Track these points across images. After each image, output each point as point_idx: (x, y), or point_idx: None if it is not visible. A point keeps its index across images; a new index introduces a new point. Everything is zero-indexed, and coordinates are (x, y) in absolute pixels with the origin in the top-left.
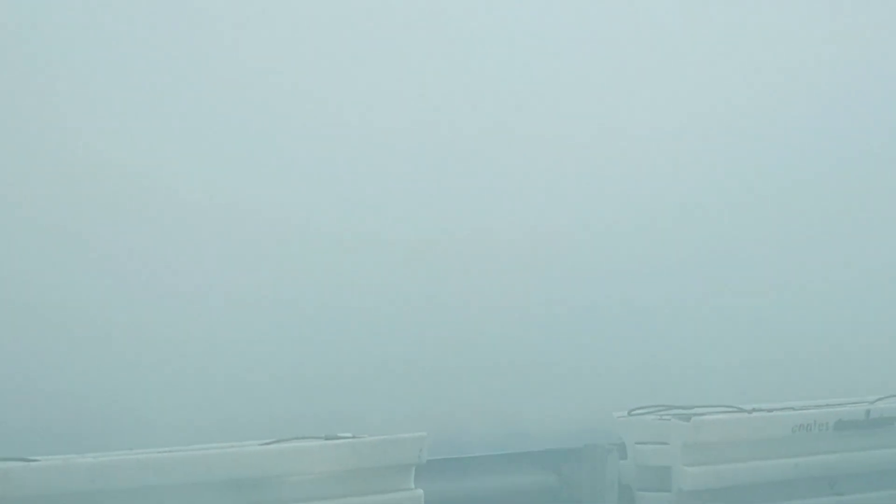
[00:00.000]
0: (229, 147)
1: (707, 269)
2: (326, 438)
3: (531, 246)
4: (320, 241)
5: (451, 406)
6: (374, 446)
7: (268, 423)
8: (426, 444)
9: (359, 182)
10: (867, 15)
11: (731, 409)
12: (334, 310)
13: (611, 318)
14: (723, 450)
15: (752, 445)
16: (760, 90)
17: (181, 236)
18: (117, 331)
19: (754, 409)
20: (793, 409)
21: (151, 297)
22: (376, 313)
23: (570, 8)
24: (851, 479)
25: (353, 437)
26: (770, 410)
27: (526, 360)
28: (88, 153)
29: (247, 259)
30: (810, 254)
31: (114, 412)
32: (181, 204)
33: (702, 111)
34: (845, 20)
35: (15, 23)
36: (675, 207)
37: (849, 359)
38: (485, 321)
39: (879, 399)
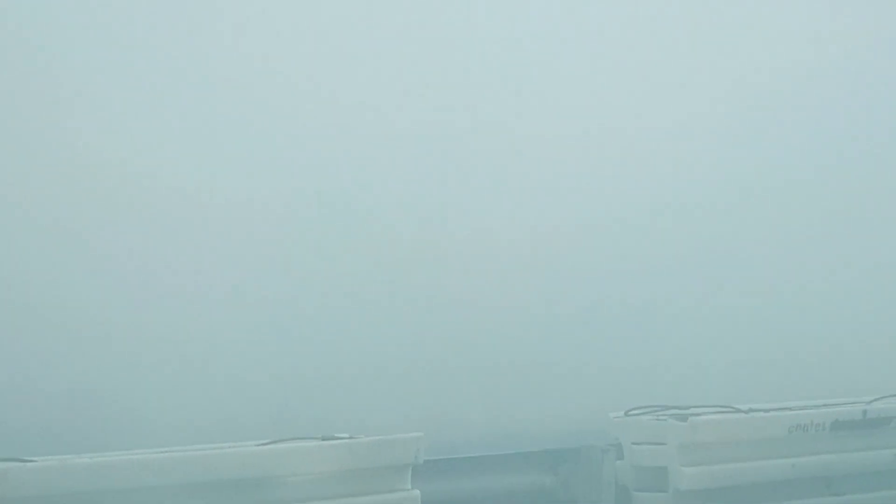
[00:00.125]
0: (229, 147)
1: (705, 269)
2: (323, 439)
3: (530, 246)
4: (320, 241)
5: (448, 406)
6: (370, 447)
7: (266, 423)
8: (423, 445)
9: (359, 182)
10: (867, 15)
11: (727, 410)
12: (334, 310)
13: (609, 318)
14: (719, 450)
15: (748, 446)
16: (761, 90)
17: (181, 236)
18: (117, 331)
19: (751, 410)
20: (789, 409)
21: (151, 297)
22: (375, 313)
23: (570, 9)
24: (848, 479)
25: (350, 438)
26: (767, 411)
27: (523, 360)
28: (88, 152)
29: (247, 259)
30: (808, 254)
31: (113, 412)
32: (181, 204)
33: (702, 111)
34: (845, 20)
35: (15, 23)
36: (675, 207)
37: (846, 359)
38: (483, 321)
39: (876, 399)
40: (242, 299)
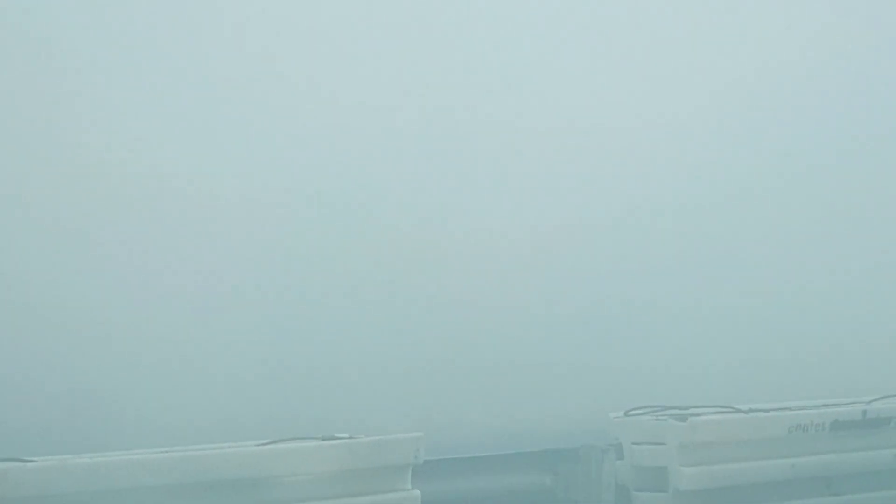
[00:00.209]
0: (229, 147)
1: (705, 269)
2: (323, 439)
3: (530, 246)
4: (320, 241)
5: (448, 406)
6: (370, 447)
7: (266, 423)
8: (422, 445)
9: (359, 182)
10: (867, 15)
11: (727, 410)
12: (334, 310)
13: (609, 318)
14: (719, 450)
15: (748, 446)
16: (760, 89)
17: (181, 236)
18: (117, 331)
19: (751, 410)
20: (789, 409)
21: (151, 297)
22: (375, 313)
23: (570, 8)
24: (848, 479)
25: (350, 438)
26: (767, 411)
27: (523, 360)
28: (88, 152)
29: (247, 259)
30: (808, 254)
31: (113, 412)
32: (181, 203)
33: (702, 111)
34: (845, 20)
35: (16, 23)
36: (675, 207)
37: (846, 359)
38: (483, 321)
39: (876, 399)
40: (242, 299)
